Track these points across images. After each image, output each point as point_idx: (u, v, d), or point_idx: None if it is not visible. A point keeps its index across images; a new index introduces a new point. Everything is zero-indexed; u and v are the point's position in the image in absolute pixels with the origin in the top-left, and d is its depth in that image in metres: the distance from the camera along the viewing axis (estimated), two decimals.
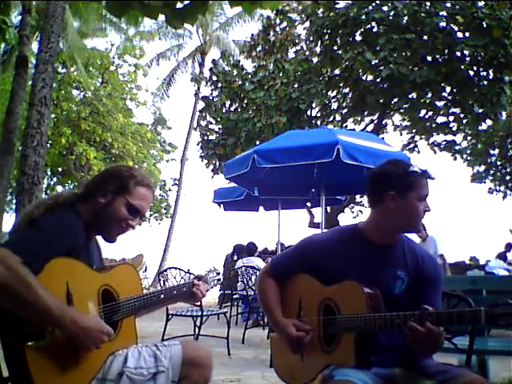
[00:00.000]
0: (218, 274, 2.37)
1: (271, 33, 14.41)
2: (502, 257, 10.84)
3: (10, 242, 1.69)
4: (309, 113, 13.41)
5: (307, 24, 12.84)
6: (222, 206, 10.64)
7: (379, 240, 1.99)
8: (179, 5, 2.99)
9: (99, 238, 2.04)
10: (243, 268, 7.05)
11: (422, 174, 1.95)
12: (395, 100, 12.09)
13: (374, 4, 10.90)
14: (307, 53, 13.51)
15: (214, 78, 14.12)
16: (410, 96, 11.54)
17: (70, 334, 1.62)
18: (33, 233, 1.71)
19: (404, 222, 1.95)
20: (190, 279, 2.24)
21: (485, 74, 10.72)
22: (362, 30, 11.02)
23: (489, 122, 12.57)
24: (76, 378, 1.69)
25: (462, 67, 10.54)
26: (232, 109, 13.83)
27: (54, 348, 1.62)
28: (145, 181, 1.97)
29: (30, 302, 1.52)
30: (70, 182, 18.15)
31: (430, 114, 12.69)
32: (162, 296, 2.06)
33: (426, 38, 10.33)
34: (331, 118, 13.82)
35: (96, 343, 1.68)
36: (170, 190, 21.62)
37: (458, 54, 10.24)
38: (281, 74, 12.98)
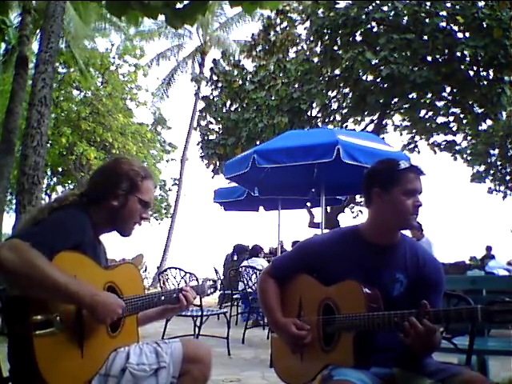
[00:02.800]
0: (215, 282, 2.39)
1: (272, 33, 14.41)
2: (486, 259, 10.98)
3: (19, 233, 1.73)
4: (309, 113, 13.41)
5: (307, 24, 12.85)
6: (222, 206, 10.65)
7: (378, 240, 1.99)
8: (179, 5, 2.99)
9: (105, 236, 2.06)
10: (243, 268, 7.06)
11: (406, 168, 1.94)
12: (395, 100, 12.09)
13: (374, 4, 10.90)
14: (308, 53, 13.50)
15: (215, 77, 14.13)
16: (410, 96, 11.54)
17: (89, 306, 1.67)
18: (41, 225, 1.76)
19: (392, 218, 1.95)
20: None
21: (485, 74, 10.72)
22: (362, 29, 11.02)
23: (489, 122, 12.58)
24: (81, 370, 1.72)
25: (462, 67, 10.54)
26: (232, 108, 13.84)
27: (61, 340, 1.65)
28: (147, 173, 2.03)
29: (46, 284, 1.57)
30: (69, 181, 18.16)
31: (430, 114, 12.69)
32: (163, 297, 2.08)
33: (426, 38, 10.33)
34: (331, 118, 13.82)
35: (112, 316, 1.73)
36: (170, 190, 21.66)
37: (458, 54, 10.24)
38: (281, 74, 12.98)
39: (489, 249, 11.90)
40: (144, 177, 2.00)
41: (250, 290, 6.72)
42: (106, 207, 1.94)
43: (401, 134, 14.73)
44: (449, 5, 10.37)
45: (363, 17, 10.66)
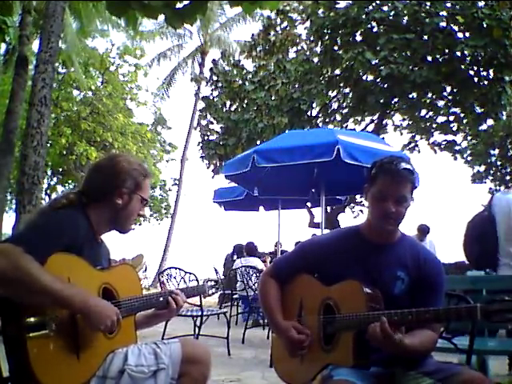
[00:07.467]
0: (216, 282, 2.37)
1: (272, 33, 14.40)
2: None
3: (11, 236, 1.74)
4: (309, 113, 13.41)
5: (307, 24, 12.85)
6: (222, 205, 10.65)
7: (377, 239, 1.99)
8: (179, 5, 3.00)
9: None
10: (243, 268, 7.05)
11: (382, 170, 1.92)
12: (395, 100, 12.10)
13: (374, 4, 10.90)
14: (308, 53, 13.50)
15: (215, 77, 14.12)
16: (410, 96, 11.55)
17: (81, 312, 1.66)
18: (34, 226, 1.76)
19: (372, 220, 1.97)
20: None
21: (485, 74, 10.72)
22: (362, 29, 11.03)
23: (489, 121, 12.58)
24: (77, 372, 1.70)
25: (462, 67, 10.55)
26: (232, 109, 13.84)
27: (56, 342, 1.63)
28: (146, 171, 2.05)
29: (36, 289, 1.56)
30: (70, 181, 18.15)
31: (431, 113, 12.70)
32: (162, 298, 2.05)
33: (426, 37, 10.34)
34: (331, 118, 13.82)
35: (106, 323, 1.70)
36: (170, 190, 21.64)
37: (458, 54, 10.25)
38: (281, 74, 12.98)
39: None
40: (145, 175, 2.01)
41: (249, 290, 6.71)
42: (108, 206, 1.92)
43: (401, 134, 14.73)
44: (449, 5, 10.38)
45: (363, 17, 10.66)
